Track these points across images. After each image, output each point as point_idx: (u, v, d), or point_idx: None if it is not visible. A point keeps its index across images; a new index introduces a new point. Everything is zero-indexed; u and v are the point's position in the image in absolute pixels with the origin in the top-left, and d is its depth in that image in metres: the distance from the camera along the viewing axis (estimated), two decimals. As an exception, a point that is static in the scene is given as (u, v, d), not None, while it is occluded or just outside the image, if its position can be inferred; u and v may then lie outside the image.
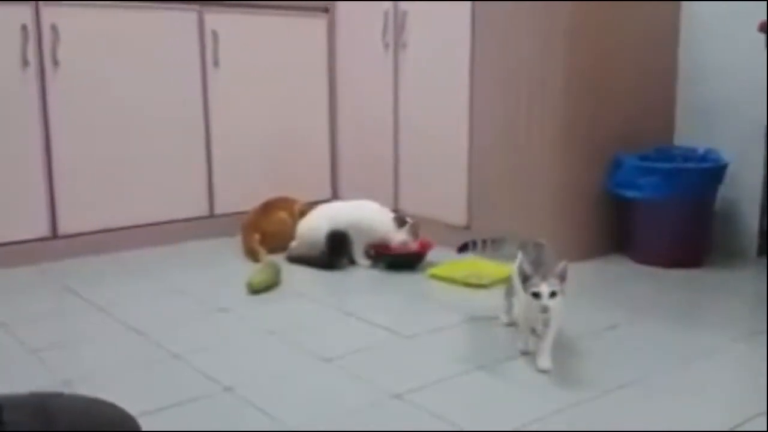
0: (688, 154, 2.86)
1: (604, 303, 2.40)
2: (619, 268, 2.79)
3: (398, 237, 2.79)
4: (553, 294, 1.74)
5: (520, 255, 1.91)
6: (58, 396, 1.63)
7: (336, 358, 1.95)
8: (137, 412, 1.56)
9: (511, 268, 2.00)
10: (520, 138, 2.82)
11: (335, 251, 2.81)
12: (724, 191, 2.84)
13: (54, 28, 2.76)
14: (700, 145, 2.89)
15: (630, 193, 2.77)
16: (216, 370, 1.86)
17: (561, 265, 1.78)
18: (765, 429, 1.55)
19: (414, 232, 2.80)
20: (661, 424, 1.59)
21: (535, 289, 1.75)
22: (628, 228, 2.87)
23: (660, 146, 2.94)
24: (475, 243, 2.06)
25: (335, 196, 3.55)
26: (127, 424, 1.44)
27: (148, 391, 1.75)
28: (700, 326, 2.19)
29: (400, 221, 2.81)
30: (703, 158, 2.83)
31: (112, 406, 1.51)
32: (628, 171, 2.78)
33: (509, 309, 2.14)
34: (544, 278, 1.75)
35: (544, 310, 1.74)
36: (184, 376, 1.85)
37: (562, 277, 1.77)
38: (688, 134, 3.02)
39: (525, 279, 1.78)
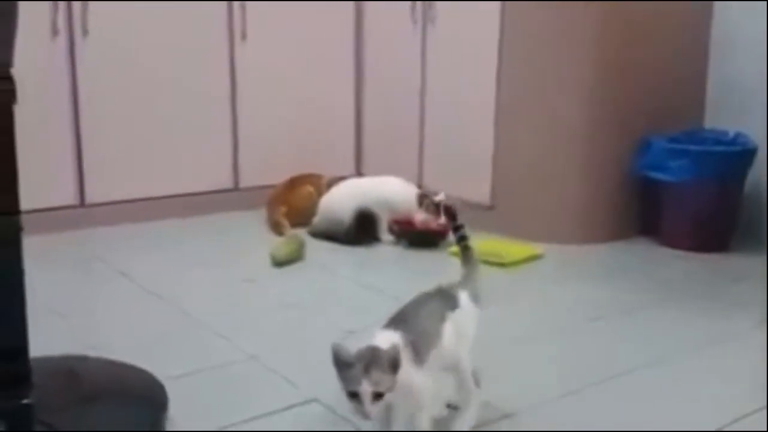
0: (719, 137, 2.82)
1: (629, 285, 2.39)
2: (645, 251, 2.76)
3: (418, 216, 2.78)
4: (378, 396, 1.21)
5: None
6: (86, 359, 1.67)
7: (358, 331, 1.96)
8: (162, 376, 1.59)
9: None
10: (548, 117, 2.79)
11: (363, 229, 2.82)
12: (753, 175, 2.80)
13: (84, -2, 2.78)
14: (731, 127, 2.85)
15: (658, 176, 2.74)
16: (241, 339, 1.88)
17: (390, 349, 1.24)
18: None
19: (432, 210, 2.75)
20: (681, 405, 1.59)
21: (352, 388, 1.21)
22: (655, 210, 2.84)
23: (690, 129, 2.90)
24: (462, 237, 1.56)
25: (358, 171, 3.55)
26: (153, 387, 1.47)
27: (174, 357, 1.78)
28: (724, 311, 2.17)
29: (422, 199, 2.79)
30: (733, 141, 2.79)
31: (138, 370, 1.54)
32: (657, 153, 2.75)
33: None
34: (367, 371, 1.21)
35: (366, 417, 1.22)
36: (209, 344, 1.87)
37: (394, 366, 1.23)
38: (720, 116, 2.98)
39: (339, 367, 1.24)
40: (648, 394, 1.64)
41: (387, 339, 1.27)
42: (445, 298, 1.44)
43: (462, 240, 1.54)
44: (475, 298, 1.48)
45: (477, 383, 1.47)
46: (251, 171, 3.27)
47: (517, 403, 1.57)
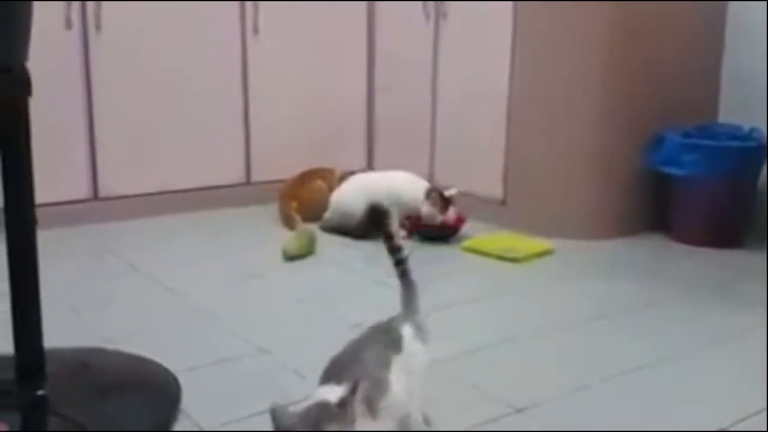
0: (732, 132, 2.80)
1: (639, 282, 2.38)
2: (656, 247, 2.75)
3: (424, 208, 2.77)
4: None
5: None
6: (99, 351, 1.68)
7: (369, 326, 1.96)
8: (174, 369, 1.60)
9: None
10: (560, 111, 2.78)
11: (374, 224, 2.82)
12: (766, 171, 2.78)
13: (97, -7, 2.79)
14: (745, 122, 2.83)
15: (671, 171, 2.73)
16: (251, 333, 1.89)
17: (341, 400, 1.07)
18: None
19: (438, 204, 2.74)
20: (684, 405, 1.58)
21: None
22: (667, 206, 2.83)
23: (703, 123, 2.88)
24: (399, 261, 1.36)
25: (370, 166, 3.55)
26: (166, 380, 1.48)
27: (185, 350, 1.78)
28: (732, 308, 2.16)
29: (428, 192, 2.78)
30: (747, 136, 2.77)
31: (151, 362, 1.55)
32: (670, 148, 2.73)
33: None
34: (317, 427, 1.06)
35: None
36: (220, 337, 1.88)
37: (350, 420, 1.07)
38: (734, 111, 2.95)
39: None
40: (651, 393, 1.63)
41: (332, 393, 1.08)
42: (388, 341, 1.25)
43: (399, 264, 1.33)
44: (420, 332, 1.30)
45: (428, 423, 1.31)
46: (263, 165, 3.28)
47: (526, 399, 1.58)
